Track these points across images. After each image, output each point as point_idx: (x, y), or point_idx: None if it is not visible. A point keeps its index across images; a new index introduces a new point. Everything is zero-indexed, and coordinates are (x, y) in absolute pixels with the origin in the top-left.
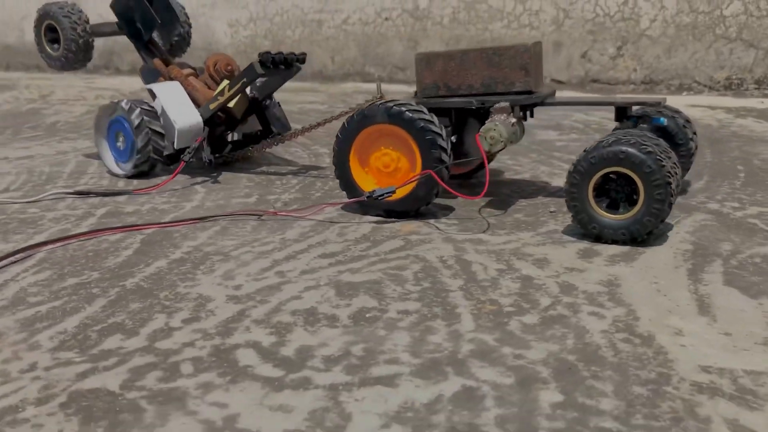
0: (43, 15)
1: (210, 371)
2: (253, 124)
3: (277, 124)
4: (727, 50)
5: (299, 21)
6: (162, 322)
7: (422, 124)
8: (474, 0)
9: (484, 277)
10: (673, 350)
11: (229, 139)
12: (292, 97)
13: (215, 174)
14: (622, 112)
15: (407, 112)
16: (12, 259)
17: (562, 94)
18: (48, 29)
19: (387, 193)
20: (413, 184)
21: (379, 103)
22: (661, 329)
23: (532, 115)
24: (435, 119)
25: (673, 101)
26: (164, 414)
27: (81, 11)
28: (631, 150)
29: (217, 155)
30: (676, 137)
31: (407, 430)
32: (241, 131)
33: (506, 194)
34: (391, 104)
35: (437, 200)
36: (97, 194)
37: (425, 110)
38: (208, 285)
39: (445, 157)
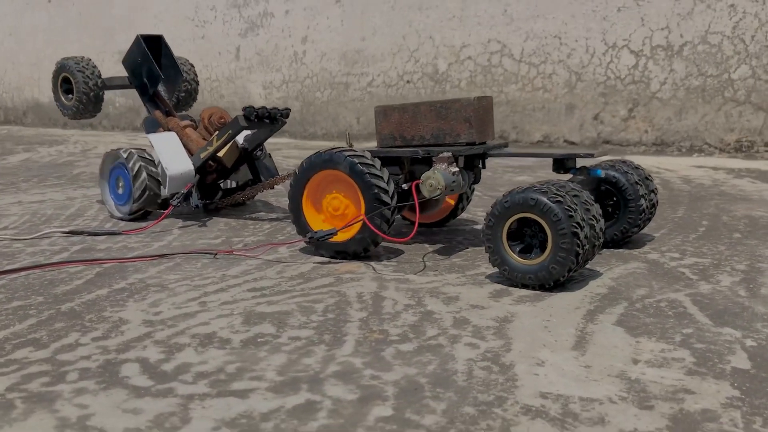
0: (60, 68)
1: (90, 380)
2: (246, 174)
3: (266, 173)
4: (737, 113)
5: (327, 83)
6: (73, 339)
7: (364, 171)
8: (490, 64)
9: (389, 311)
10: (524, 378)
11: (223, 186)
12: None
13: (204, 218)
14: (559, 164)
15: (352, 159)
16: None
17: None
18: (63, 81)
19: (328, 234)
20: (357, 227)
21: (329, 150)
22: (524, 360)
23: (484, 166)
24: (377, 165)
25: (683, 162)
26: (30, 411)
27: (94, 66)
28: (541, 198)
29: (208, 201)
30: (626, 192)
31: None
32: (235, 179)
33: (458, 241)
34: (337, 151)
35: (388, 244)
36: (88, 234)
37: (369, 157)
38: (133, 311)
39: (385, 201)
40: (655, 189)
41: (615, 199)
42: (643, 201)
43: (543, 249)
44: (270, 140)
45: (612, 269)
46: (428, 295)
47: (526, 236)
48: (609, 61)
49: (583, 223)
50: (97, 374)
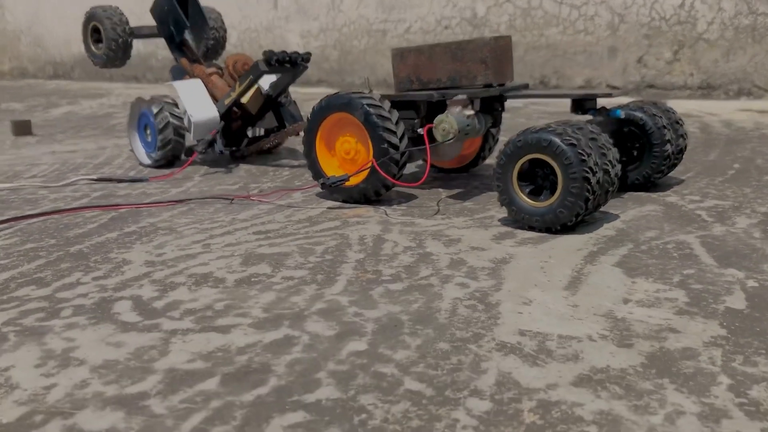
0: (90, 17)
1: (82, 315)
2: (272, 120)
3: (291, 119)
4: None
5: (365, 31)
6: (75, 278)
7: (372, 115)
8: (530, 7)
9: (387, 253)
10: (507, 316)
11: (249, 134)
12: None
13: (227, 165)
14: (577, 105)
15: (360, 102)
16: None
17: (620, 99)
18: (93, 30)
19: (340, 180)
20: (364, 176)
21: (348, 92)
22: (511, 299)
23: (503, 109)
24: (387, 109)
25: (729, 106)
26: (20, 343)
27: (122, 14)
28: (554, 139)
29: (234, 148)
30: (652, 136)
31: (207, 365)
32: (261, 126)
33: (474, 186)
34: (357, 97)
35: (402, 189)
36: (115, 180)
37: (378, 101)
38: (137, 252)
39: (394, 147)
40: (685, 134)
41: (640, 142)
42: (669, 146)
43: (553, 192)
44: (307, 89)
45: (626, 212)
46: (431, 237)
47: (538, 178)
48: (654, 1)
49: (596, 168)
50: (90, 311)
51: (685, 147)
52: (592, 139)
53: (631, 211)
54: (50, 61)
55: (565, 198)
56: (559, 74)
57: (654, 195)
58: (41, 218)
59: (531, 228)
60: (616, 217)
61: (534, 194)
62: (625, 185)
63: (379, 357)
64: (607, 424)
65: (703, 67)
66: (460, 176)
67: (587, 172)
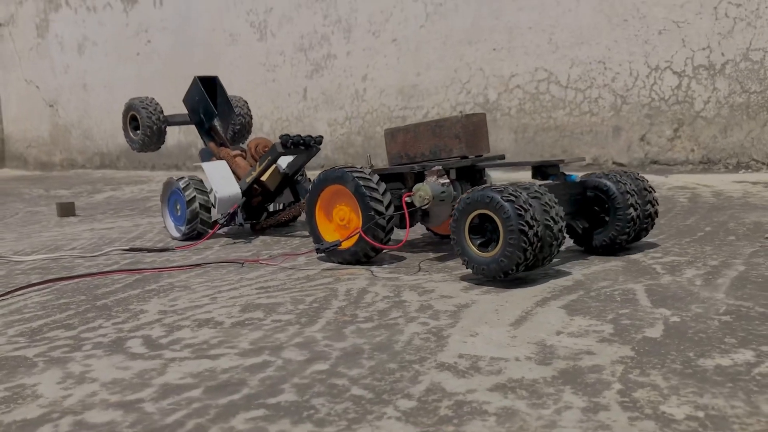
0: (128, 107)
1: (99, 349)
2: (289, 196)
3: (305, 195)
4: None
5: (386, 118)
6: (98, 323)
7: (361, 186)
8: (538, 92)
9: (367, 301)
10: (452, 345)
11: (271, 209)
12: None
13: (246, 236)
14: (536, 171)
15: (354, 178)
16: (34, 288)
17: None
18: (131, 119)
19: (332, 245)
20: (355, 241)
21: (341, 167)
22: (461, 332)
23: (482, 177)
24: (376, 185)
25: (727, 178)
26: (46, 368)
27: (157, 104)
28: (495, 195)
29: (254, 222)
30: (615, 200)
31: (195, 380)
32: (280, 202)
33: None
34: (341, 168)
35: (394, 251)
36: (144, 251)
37: (367, 174)
38: (154, 304)
39: (378, 208)
40: (654, 200)
41: (605, 206)
42: (632, 210)
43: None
44: None
45: (589, 267)
46: (408, 289)
47: (487, 231)
48: (653, 83)
49: (533, 222)
50: (106, 346)
51: (656, 213)
52: (535, 197)
53: (594, 266)
54: (98, 152)
55: (505, 248)
56: (568, 153)
57: (621, 255)
58: (75, 280)
59: (483, 277)
60: (579, 272)
61: (485, 246)
62: (591, 248)
63: (336, 374)
64: (505, 415)
65: (702, 143)
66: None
67: (524, 225)
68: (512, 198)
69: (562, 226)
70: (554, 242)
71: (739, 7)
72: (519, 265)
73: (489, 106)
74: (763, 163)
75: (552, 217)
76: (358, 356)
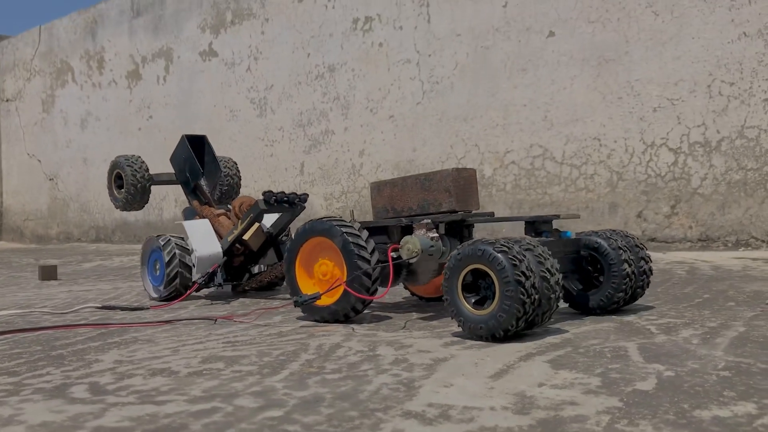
0: (114, 165)
1: (39, 394)
2: (273, 257)
3: None
4: None
5: None
6: (46, 371)
7: (347, 238)
8: (533, 168)
9: (338, 355)
10: (424, 395)
11: (254, 270)
12: None
13: (224, 297)
14: (529, 226)
15: (336, 226)
16: None
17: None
18: (117, 177)
19: (312, 298)
20: (339, 295)
21: (329, 219)
22: (435, 384)
23: (470, 234)
24: (359, 232)
25: (726, 255)
26: None
27: (143, 162)
28: (487, 248)
29: (235, 282)
30: (608, 257)
31: (132, 424)
32: (263, 264)
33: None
34: (326, 220)
35: (375, 311)
36: (118, 308)
37: (351, 225)
38: (111, 354)
39: (365, 267)
40: (646, 257)
41: (599, 265)
42: (626, 266)
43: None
44: None
45: (580, 327)
46: (385, 344)
47: (482, 289)
48: (648, 160)
49: (530, 272)
50: (47, 391)
51: (650, 270)
52: (528, 249)
53: (585, 326)
54: (94, 225)
55: (503, 302)
56: (564, 228)
57: (615, 316)
58: (36, 332)
59: (479, 337)
60: (568, 331)
61: (480, 304)
62: (588, 309)
63: (290, 420)
64: None
65: (700, 220)
66: (438, 304)
67: (519, 276)
68: (505, 249)
69: (558, 278)
70: (552, 295)
71: (733, 86)
72: (519, 319)
73: (485, 181)
74: (763, 241)
75: (548, 269)
76: (317, 404)
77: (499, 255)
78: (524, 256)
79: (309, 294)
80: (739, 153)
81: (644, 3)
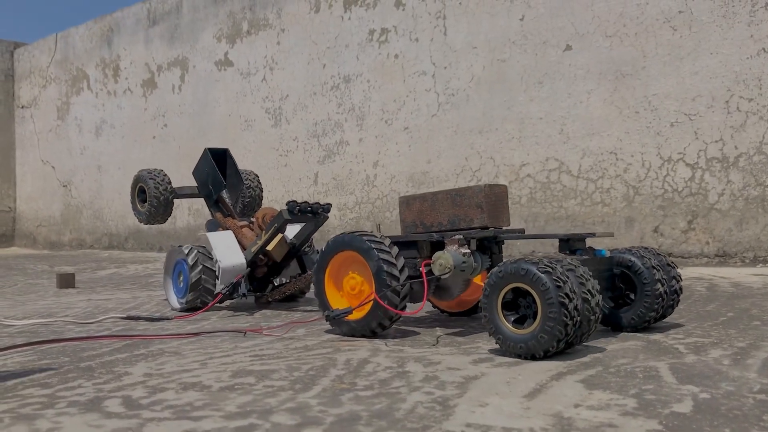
0: (137, 179)
1: (74, 407)
2: (296, 268)
3: (312, 267)
4: None
5: (396, 203)
6: (77, 383)
7: (376, 253)
8: (549, 181)
9: (367, 371)
10: (460, 414)
11: (276, 282)
12: None
13: (247, 308)
14: (564, 244)
15: (366, 241)
16: (17, 350)
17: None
18: (140, 191)
19: (344, 312)
20: (368, 310)
21: (351, 232)
22: (470, 403)
23: (500, 251)
24: (389, 247)
25: (744, 272)
26: (12, 424)
27: (165, 176)
28: (531, 267)
29: (258, 294)
30: (641, 276)
31: None
32: (286, 275)
33: (471, 326)
34: (354, 234)
35: (401, 327)
36: (142, 319)
37: (381, 240)
38: (140, 367)
39: (394, 282)
40: (678, 276)
41: (632, 283)
42: (659, 285)
43: (535, 320)
44: None
45: (608, 345)
46: (413, 360)
47: (522, 307)
48: (665, 175)
49: (573, 294)
50: (82, 404)
51: (680, 289)
52: (570, 270)
53: (612, 345)
54: (107, 232)
55: (545, 323)
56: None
57: (640, 334)
58: (62, 343)
59: (517, 356)
60: (597, 349)
61: (519, 323)
62: (620, 327)
63: None
64: None
65: (717, 235)
66: (461, 319)
67: (563, 298)
68: (549, 269)
69: (599, 300)
70: (592, 317)
71: (751, 102)
72: (560, 341)
73: None
74: None
75: (589, 290)
76: (354, 422)
77: (543, 276)
78: (567, 278)
79: (340, 308)
80: (758, 169)
81: (662, 18)
